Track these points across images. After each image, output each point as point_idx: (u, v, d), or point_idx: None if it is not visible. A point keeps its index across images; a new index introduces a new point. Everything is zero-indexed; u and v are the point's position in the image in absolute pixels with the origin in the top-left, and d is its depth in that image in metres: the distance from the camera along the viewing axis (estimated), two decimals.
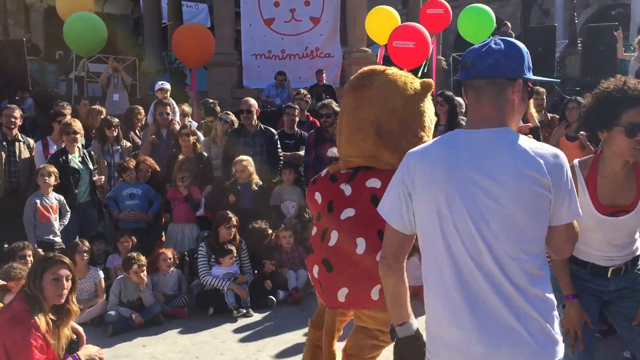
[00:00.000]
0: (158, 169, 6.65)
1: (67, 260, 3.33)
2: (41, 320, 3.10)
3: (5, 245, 6.04)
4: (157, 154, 6.93)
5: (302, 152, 6.99)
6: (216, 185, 6.71)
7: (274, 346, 4.68)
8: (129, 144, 7.15)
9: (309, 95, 8.42)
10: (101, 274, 5.54)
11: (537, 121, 6.90)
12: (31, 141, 6.60)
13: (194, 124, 7.96)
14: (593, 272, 2.83)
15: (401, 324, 2.03)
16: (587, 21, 20.94)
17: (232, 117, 7.31)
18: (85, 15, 10.13)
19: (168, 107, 7.32)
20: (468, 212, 1.83)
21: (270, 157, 6.71)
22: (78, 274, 5.39)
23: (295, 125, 7.33)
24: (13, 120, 6.31)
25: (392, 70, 3.10)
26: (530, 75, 1.94)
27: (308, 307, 5.54)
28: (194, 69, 10.44)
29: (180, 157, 6.47)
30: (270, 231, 6.11)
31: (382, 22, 10.76)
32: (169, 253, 5.65)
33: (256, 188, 6.34)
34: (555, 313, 1.90)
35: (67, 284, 3.22)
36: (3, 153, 6.21)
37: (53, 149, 6.50)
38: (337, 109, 6.76)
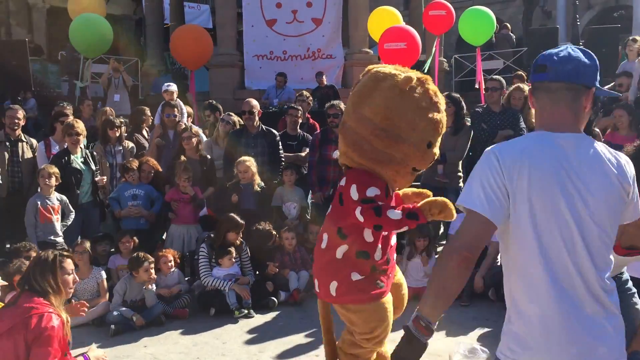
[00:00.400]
0: (160, 169, 6.66)
1: (70, 253, 3.45)
2: (62, 314, 3.21)
3: (8, 245, 6.06)
4: (163, 156, 6.94)
5: (303, 154, 7.00)
6: (218, 186, 6.71)
7: (275, 347, 4.68)
8: (131, 145, 7.16)
9: (311, 98, 8.44)
10: (103, 274, 5.55)
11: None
12: (34, 141, 6.61)
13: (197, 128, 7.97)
14: None
15: (436, 322, 1.99)
16: (590, 23, 20.93)
17: (235, 118, 7.33)
18: (90, 16, 10.16)
19: (175, 109, 7.33)
20: (571, 214, 1.89)
21: (272, 158, 6.71)
22: (80, 274, 5.44)
23: (298, 127, 7.34)
24: (16, 120, 6.33)
25: (376, 69, 3.10)
26: (598, 86, 2.02)
27: (309, 308, 5.54)
28: (193, 70, 10.45)
29: (182, 158, 6.48)
30: (274, 232, 6.11)
31: (384, 23, 10.76)
32: (169, 255, 5.66)
33: (258, 189, 6.34)
34: None
35: (76, 278, 3.36)
36: (6, 153, 6.24)
37: (55, 149, 6.51)
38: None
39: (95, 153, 6.53)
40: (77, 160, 6.14)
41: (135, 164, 6.45)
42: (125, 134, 7.24)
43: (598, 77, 2.00)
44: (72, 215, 5.94)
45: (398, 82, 2.96)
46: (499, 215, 1.93)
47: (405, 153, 3.00)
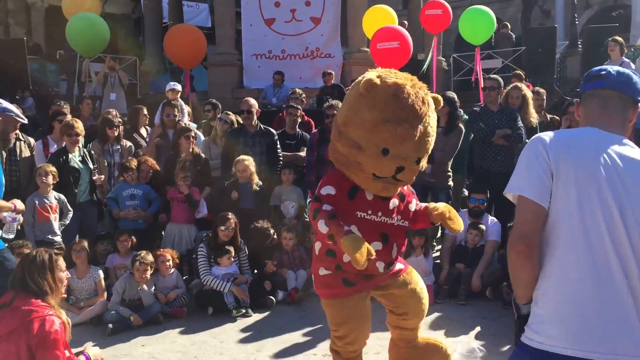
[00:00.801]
0: (159, 169, 6.65)
1: (61, 251, 3.46)
2: (62, 316, 3.21)
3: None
4: (162, 156, 6.92)
5: (302, 153, 7.00)
6: (216, 186, 6.70)
7: (273, 346, 4.68)
8: (129, 144, 7.14)
9: (304, 95, 8.44)
10: (101, 273, 5.53)
11: (536, 122, 6.90)
12: (32, 140, 6.60)
13: (193, 125, 7.97)
14: None
15: (527, 302, 2.11)
16: (588, 22, 20.93)
17: (232, 117, 7.32)
18: (87, 15, 10.15)
19: (176, 109, 7.31)
20: (616, 204, 1.95)
21: (271, 157, 6.71)
22: (78, 273, 5.44)
23: (297, 126, 7.33)
24: None
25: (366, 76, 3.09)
26: None
27: (307, 307, 5.55)
28: (187, 70, 10.44)
29: (183, 155, 6.48)
30: (272, 231, 6.11)
31: (379, 22, 10.74)
32: (167, 255, 5.65)
33: (257, 188, 6.34)
34: None
35: (67, 274, 3.39)
36: (3, 152, 6.22)
37: (53, 148, 6.50)
38: None
39: (93, 152, 6.52)
40: (75, 159, 6.13)
41: (134, 163, 6.44)
42: (122, 133, 7.22)
43: None
44: (70, 214, 5.93)
45: (360, 87, 2.99)
46: (546, 198, 2.01)
47: (360, 158, 3.04)
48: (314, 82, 12.21)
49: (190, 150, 6.58)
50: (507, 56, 13.74)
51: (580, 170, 1.98)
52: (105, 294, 5.46)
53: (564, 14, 21.06)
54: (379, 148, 2.96)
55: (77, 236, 5.94)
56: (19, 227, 4.34)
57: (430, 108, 3.05)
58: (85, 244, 5.55)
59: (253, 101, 6.84)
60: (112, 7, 19.65)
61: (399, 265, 3.40)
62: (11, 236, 4.20)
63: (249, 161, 6.29)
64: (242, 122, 6.90)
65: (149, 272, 5.29)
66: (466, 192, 7.06)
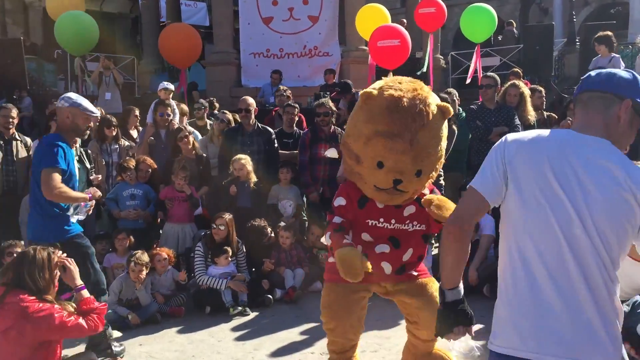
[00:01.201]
0: (156, 168, 6.63)
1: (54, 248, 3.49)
2: (66, 308, 3.29)
3: (1, 244, 6.03)
4: (155, 155, 6.91)
5: None
6: (213, 185, 6.70)
7: (271, 345, 4.67)
8: (127, 143, 7.13)
9: (290, 91, 8.44)
10: None
11: (534, 119, 6.89)
12: (28, 140, 6.59)
13: (190, 129, 7.95)
14: None
15: (453, 287, 2.10)
16: (586, 20, 20.92)
17: (229, 116, 7.30)
18: (74, 14, 10.09)
19: (169, 108, 7.28)
20: (572, 205, 1.91)
21: (268, 156, 6.70)
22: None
23: (295, 124, 7.31)
24: (10, 119, 6.31)
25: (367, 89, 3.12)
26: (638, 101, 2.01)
27: (305, 306, 5.55)
28: (183, 69, 10.42)
29: (182, 155, 6.47)
30: (269, 230, 6.10)
31: (372, 20, 10.69)
32: (163, 253, 5.63)
33: (254, 187, 6.33)
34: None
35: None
36: (0, 152, 6.21)
37: None
38: (334, 108, 6.76)
39: (90, 151, 6.50)
40: None
41: (132, 163, 6.43)
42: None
43: None
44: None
45: (360, 99, 3.03)
46: (493, 194, 2.03)
47: (360, 170, 3.08)
48: (312, 81, 12.19)
49: (193, 151, 6.57)
50: (505, 54, 13.75)
51: (534, 171, 1.97)
52: None
53: (562, 11, 21.03)
54: (374, 161, 2.97)
55: None
56: (89, 213, 4.41)
57: (436, 118, 3.01)
58: None
59: (251, 100, 6.82)
60: (109, 7, 19.64)
61: (416, 272, 3.40)
62: (81, 218, 4.30)
63: (245, 160, 6.28)
64: (239, 120, 6.89)
65: (144, 272, 5.26)
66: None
